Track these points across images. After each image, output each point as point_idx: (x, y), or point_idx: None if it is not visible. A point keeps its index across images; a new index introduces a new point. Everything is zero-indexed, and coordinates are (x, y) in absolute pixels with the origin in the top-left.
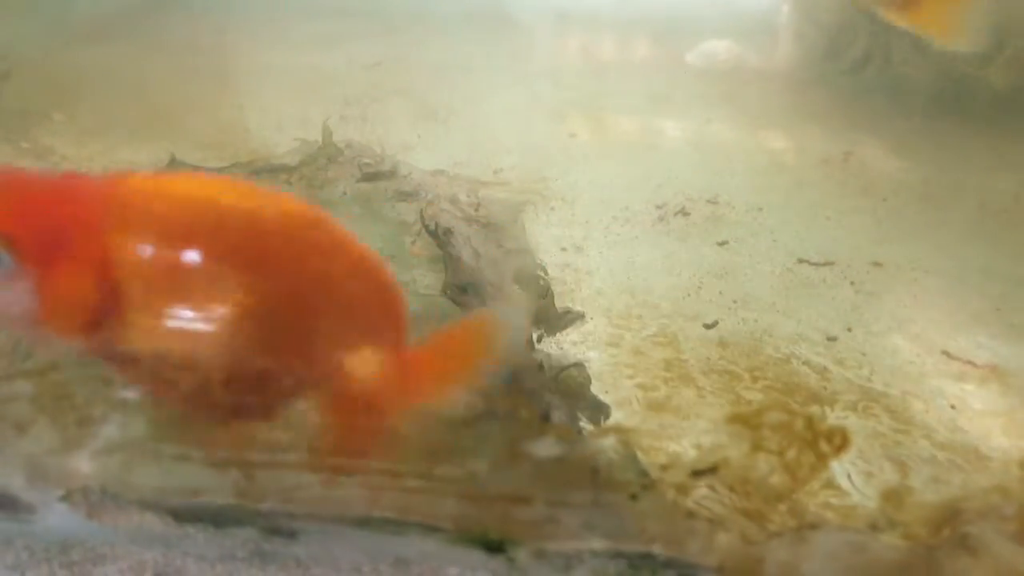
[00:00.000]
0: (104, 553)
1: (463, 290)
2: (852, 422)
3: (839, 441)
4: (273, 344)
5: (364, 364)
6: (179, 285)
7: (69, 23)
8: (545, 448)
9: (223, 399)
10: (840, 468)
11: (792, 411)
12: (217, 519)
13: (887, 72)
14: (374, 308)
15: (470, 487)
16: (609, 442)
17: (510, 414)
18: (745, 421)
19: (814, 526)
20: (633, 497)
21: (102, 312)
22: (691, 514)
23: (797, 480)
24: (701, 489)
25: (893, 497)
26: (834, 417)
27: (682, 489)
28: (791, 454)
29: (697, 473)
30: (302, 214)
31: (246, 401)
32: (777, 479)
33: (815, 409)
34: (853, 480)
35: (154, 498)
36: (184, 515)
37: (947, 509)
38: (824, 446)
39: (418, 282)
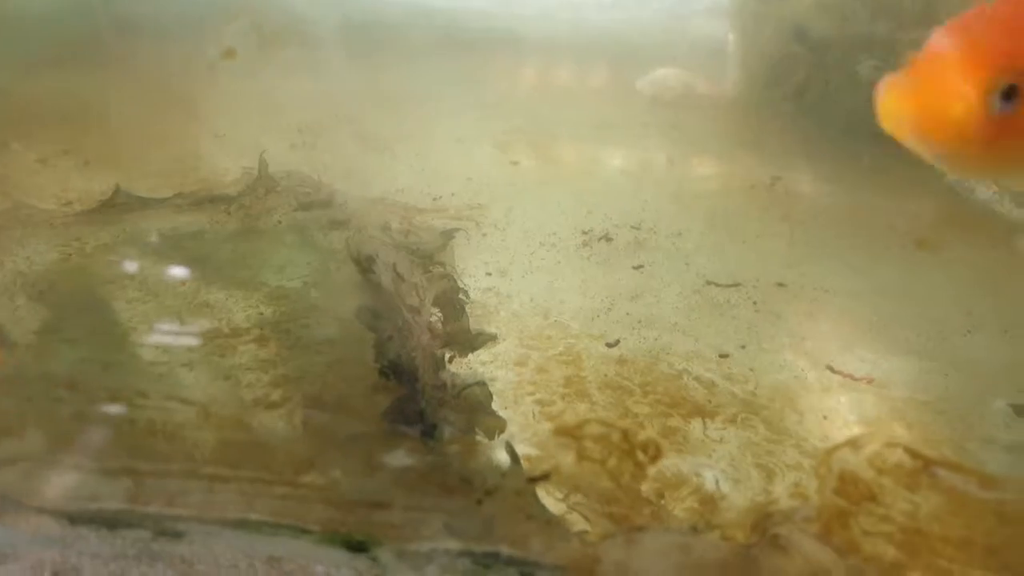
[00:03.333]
0: (7, 553)
1: (377, 315)
2: (730, 433)
3: (653, 452)
4: None
5: None
6: None
7: (31, 49)
8: (397, 459)
9: None
10: (710, 475)
11: (610, 424)
12: (110, 522)
13: (824, 100)
14: None
15: (334, 494)
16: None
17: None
18: (569, 433)
19: (641, 528)
20: (478, 502)
21: None
22: (530, 516)
23: (621, 486)
24: (576, 496)
25: (710, 502)
26: (713, 428)
27: (521, 493)
28: (612, 463)
29: (532, 479)
30: None
31: None
32: (607, 484)
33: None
34: (721, 487)
35: (51, 503)
36: (79, 518)
37: (758, 512)
38: (640, 455)
39: (339, 308)
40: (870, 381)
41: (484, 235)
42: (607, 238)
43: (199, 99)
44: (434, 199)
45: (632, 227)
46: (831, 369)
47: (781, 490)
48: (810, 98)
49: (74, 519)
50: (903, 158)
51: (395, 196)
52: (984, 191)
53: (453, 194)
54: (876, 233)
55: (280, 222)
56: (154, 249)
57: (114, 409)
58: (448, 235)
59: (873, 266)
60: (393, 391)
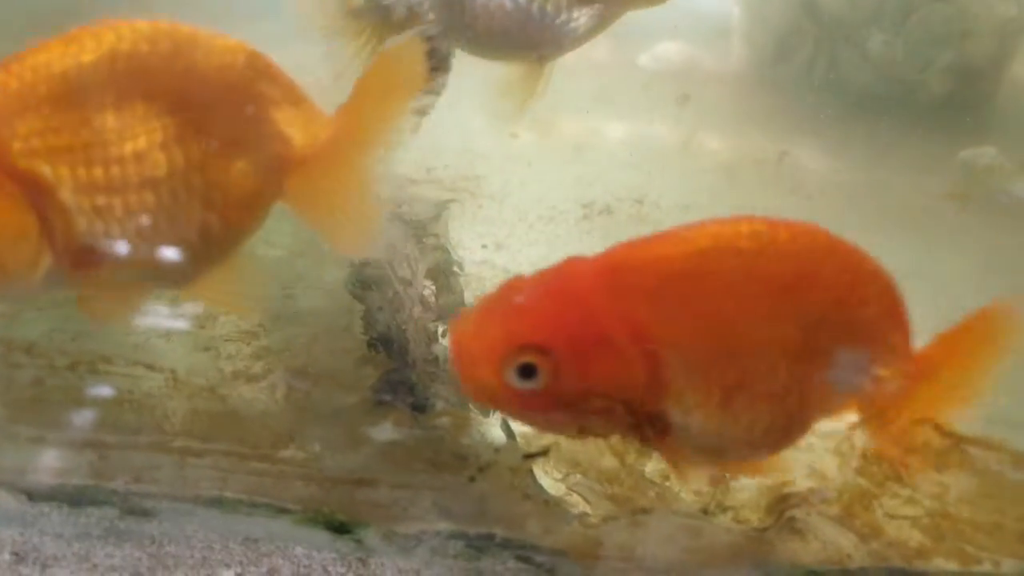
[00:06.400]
0: None
1: (366, 285)
2: None
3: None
4: (800, 381)
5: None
6: (713, 345)
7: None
8: (383, 433)
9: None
10: None
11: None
12: (73, 498)
13: (832, 75)
14: (883, 322)
15: (315, 470)
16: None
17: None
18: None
19: (647, 510)
20: (471, 479)
21: (650, 392)
22: (527, 496)
23: (625, 464)
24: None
25: (721, 483)
26: None
27: (516, 471)
28: (616, 438)
29: (529, 456)
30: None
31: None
32: (609, 463)
33: None
34: None
35: (9, 478)
36: (39, 494)
37: (773, 494)
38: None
39: (325, 278)
40: None
41: (480, 207)
42: (608, 211)
43: None
44: (428, 170)
45: (635, 200)
46: None
47: (795, 470)
48: (818, 73)
49: (34, 495)
50: (915, 136)
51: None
52: (1001, 171)
53: (447, 165)
54: (888, 211)
55: None
56: None
57: (79, 377)
58: (442, 206)
59: (884, 243)
60: (382, 364)
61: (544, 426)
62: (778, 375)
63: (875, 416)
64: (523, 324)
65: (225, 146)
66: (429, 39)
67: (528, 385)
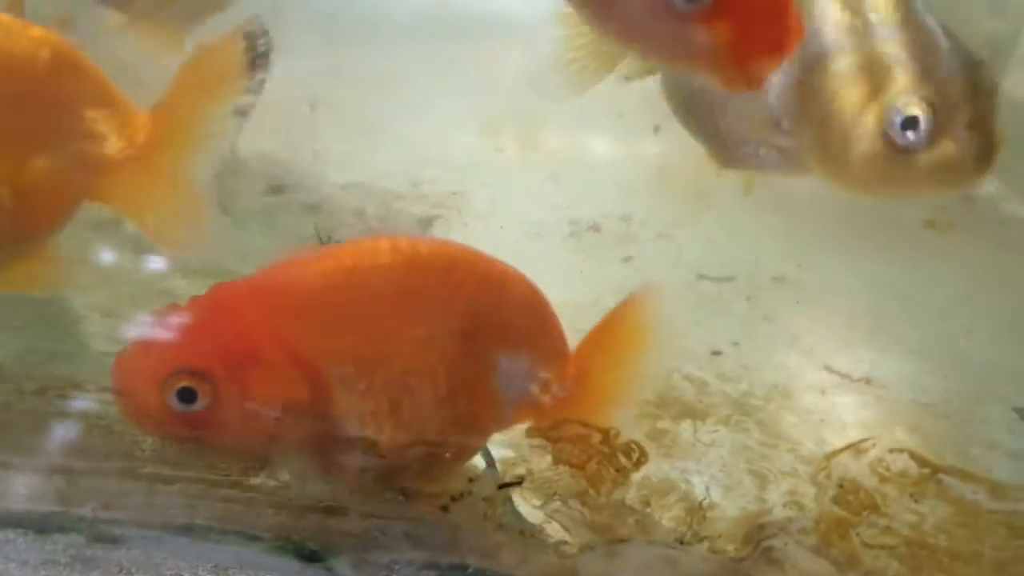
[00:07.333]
0: None
1: None
2: (722, 436)
3: (638, 456)
4: (465, 386)
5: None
6: (370, 353)
7: None
8: (354, 459)
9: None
10: (700, 482)
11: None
12: (39, 525)
13: None
14: (535, 328)
15: (285, 498)
16: None
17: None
18: (545, 435)
19: (624, 540)
20: (444, 509)
21: (320, 407)
22: (502, 526)
23: (600, 493)
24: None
25: (698, 511)
26: (704, 431)
27: (490, 501)
28: (591, 467)
29: (504, 486)
30: (450, 250)
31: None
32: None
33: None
34: (711, 494)
35: None
36: (4, 521)
37: (750, 523)
38: (623, 460)
39: None
40: (868, 381)
41: (465, 224)
42: (595, 229)
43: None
44: (414, 185)
45: (621, 218)
46: (828, 369)
47: (775, 498)
48: None
49: None
50: None
51: (374, 181)
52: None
53: (434, 180)
54: (875, 229)
55: (247, 206)
56: (108, 233)
57: (48, 403)
58: (427, 223)
59: (871, 262)
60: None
61: (220, 450)
62: (440, 383)
63: (544, 421)
64: (177, 350)
65: (21, 142)
66: (248, 35)
67: (190, 408)
